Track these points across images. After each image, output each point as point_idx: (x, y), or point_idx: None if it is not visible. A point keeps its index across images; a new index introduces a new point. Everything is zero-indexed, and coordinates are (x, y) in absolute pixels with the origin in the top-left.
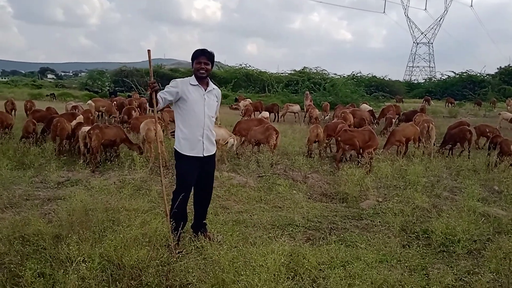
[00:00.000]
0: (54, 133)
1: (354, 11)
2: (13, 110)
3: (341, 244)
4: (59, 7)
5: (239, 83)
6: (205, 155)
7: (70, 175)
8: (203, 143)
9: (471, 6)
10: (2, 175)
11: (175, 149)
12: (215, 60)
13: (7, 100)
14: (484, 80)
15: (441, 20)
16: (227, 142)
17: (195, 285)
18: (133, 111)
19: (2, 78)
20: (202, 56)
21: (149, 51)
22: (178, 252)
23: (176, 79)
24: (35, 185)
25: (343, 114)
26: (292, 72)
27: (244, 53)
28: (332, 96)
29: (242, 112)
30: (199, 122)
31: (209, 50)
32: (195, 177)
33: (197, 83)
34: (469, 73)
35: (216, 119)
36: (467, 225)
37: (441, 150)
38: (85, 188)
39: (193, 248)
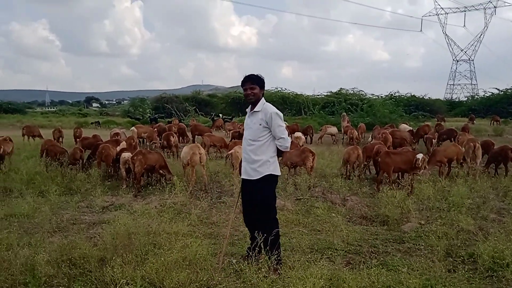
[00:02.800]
0: (99, 159)
1: (390, 31)
2: (60, 138)
3: (382, 268)
4: (103, 39)
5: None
6: (242, 177)
7: (114, 199)
8: (244, 166)
9: None
10: (51, 200)
11: None
12: None
13: (55, 128)
14: None
15: (482, 36)
16: None
17: None
18: (172, 137)
19: (51, 108)
20: (247, 82)
21: None
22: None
23: None
24: (82, 209)
25: (384, 135)
26: (329, 94)
27: (279, 77)
28: (369, 116)
29: None
30: (243, 145)
31: (254, 74)
32: (247, 196)
33: (249, 108)
34: None
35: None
36: None
37: (486, 170)
38: (128, 212)
39: (232, 271)
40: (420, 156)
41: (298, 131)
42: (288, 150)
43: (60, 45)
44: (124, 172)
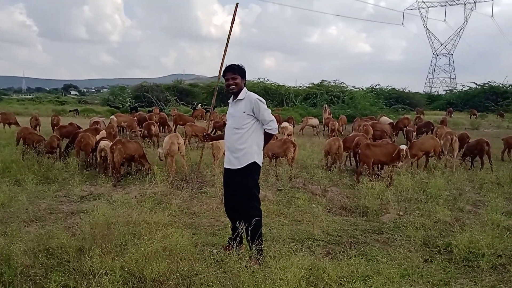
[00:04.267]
0: (78, 148)
1: (372, 24)
2: (38, 126)
3: (362, 258)
4: (82, 25)
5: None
6: (225, 166)
7: (92, 189)
8: (227, 155)
9: (492, 16)
10: (27, 189)
11: None
12: None
13: (32, 116)
14: (507, 91)
15: (461, 31)
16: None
17: None
18: (153, 126)
19: (27, 95)
20: (228, 72)
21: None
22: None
23: None
24: (59, 199)
25: (365, 127)
26: (310, 85)
27: (262, 67)
28: (351, 108)
29: None
30: (226, 134)
31: (235, 64)
32: (229, 187)
33: (231, 99)
34: (491, 84)
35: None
36: (491, 239)
37: (462, 162)
38: (107, 202)
39: (213, 261)
40: (404, 147)
41: (280, 123)
42: (277, 132)
43: (37, 30)
44: (100, 160)
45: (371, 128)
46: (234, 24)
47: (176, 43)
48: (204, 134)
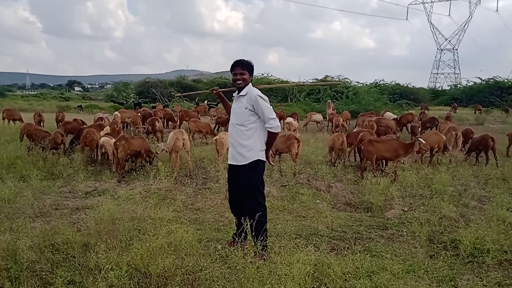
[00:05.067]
0: (83, 144)
1: (376, 19)
2: (41, 122)
3: (366, 254)
4: (86, 21)
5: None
6: (229, 163)
7: (97, 185)
8: (231, 151)
9: (497, 11)
10: (32, 185)
11: None
12: None
13: (35, 112)
14: None
15: (466, 25)
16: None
17: None
18: (157, 122)
19: (31, 91)
20: (237, 67)
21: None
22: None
23: None
24: (64, 194)
25: (370, 123)
26: (314, 81)
27: (266, 63)
28: (354, 104)
29: None
30: (230, 130)
31: (245, 60)
32: (233, 183)
33: (236, 93)
34: (496, 79)
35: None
36: (496, 235)
37: (468, 158)
38: (112, 197)
39: (218, 257)
40: (422, 140)
41: (285, 119)
42: (279, 130)
43: (41, 27)
44: (100, 156)
45: (375, 123)
46: (237, 20)
47: (179, 39)
48: (212, 89)
